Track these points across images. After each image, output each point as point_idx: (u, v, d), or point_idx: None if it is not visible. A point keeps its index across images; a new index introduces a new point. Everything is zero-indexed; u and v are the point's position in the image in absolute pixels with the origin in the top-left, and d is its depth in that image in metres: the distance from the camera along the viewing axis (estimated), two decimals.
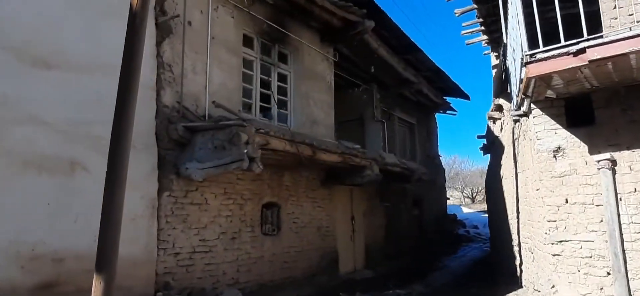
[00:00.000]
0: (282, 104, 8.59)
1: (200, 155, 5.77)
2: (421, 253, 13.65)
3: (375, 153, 8.81)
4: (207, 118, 6.41)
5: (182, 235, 6.01)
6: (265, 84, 8.30)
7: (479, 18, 8.35)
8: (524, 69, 4.21)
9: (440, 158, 19.39)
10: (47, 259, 4.58)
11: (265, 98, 8.33)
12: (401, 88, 13.18)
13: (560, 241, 5.23)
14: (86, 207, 4.92)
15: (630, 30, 3.99)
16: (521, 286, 7.40)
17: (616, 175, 4.94)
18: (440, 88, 15.60)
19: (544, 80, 4.29)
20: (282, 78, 8.69)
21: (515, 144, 7.01)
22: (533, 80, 4.32)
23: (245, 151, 5.43)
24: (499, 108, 9.09)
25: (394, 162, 9.43)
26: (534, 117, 5.29)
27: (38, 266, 4.49)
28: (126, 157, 3.30)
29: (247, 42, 7.85)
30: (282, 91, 8.65)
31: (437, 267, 11.07)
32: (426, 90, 14.16)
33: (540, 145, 5.19)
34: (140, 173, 5.51)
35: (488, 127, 12.28)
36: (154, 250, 5.57)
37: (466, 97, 16.18)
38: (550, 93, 4.92)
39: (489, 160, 13.91)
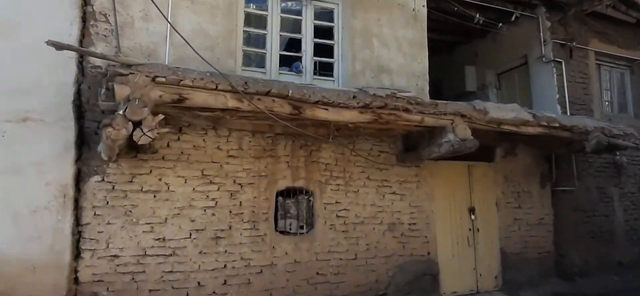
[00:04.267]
0: (325, 51, 6.11)
1: None
2: None
3: (464, 106, 5.21)
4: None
5: (122, 233, 4.56)
6: (297, 27, 6.04)
7: None
8: None
9: None
10: None
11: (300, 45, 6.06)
12: (586, 4, 8.18)
13: None
14: None
15: None
16: None
17: None
18: None
19: None
20: (327, 16, 6.19)
21: None
22: None
23: (122, 112, 3.55)
24: None
25: (515, 118, 5.42)
26: None
27: None
28: None
29: None
30: (327, 34, 6.16)
31: None
32: None
33: None
34: (48, 154, 4.34)
35: None
36: (66, 251, 4.29)
37: None
38: None
39: None
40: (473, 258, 6.47)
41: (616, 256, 8.52)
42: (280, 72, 5.73)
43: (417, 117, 4.88)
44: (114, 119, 3.52)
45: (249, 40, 5.77)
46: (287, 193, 5.46)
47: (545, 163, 7.35)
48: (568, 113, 7.98)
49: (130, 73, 3.66)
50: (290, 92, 4.18)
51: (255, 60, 5.80)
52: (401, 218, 6.00)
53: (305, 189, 5.54)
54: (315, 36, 6.00)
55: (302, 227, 5.48)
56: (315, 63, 5.98)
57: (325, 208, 5.57)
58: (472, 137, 5.08)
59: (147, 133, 3.60)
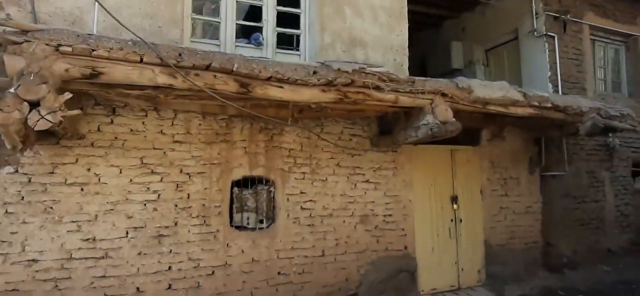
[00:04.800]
0: (290, 21, 5.37)
1: None
2: None
3: (445, 83, 4.53)
4: None
5: (41, 233, 3.87)
6: None
7: None
8: None
9: None
10: None
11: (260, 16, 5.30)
12: None
13: None
14: None
15: None
16: None
17: None
18: None
19: None
20: None
21: None
22: None
23: (14, 90, 2.82)
24: None
25: (504, 97, 4.79)
26: None
27: None
28: None
29: None
30: (292, 1, 5.41)
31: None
32: None
33: None
34: None
35: None
36: None
37: None
38: None
39: None
40: (455, 252, 5.91)
41: (606, 244, 8.07)
42: (237, 44, 4.99)
43: (391, 96, 4.21)
44: (2, 99, 2.79)
45: (200, 7, 5.00)
46: (244, 183, 4.80)
47: (535, 147, 6.77)
48: (560, 93, 7.40)
49: (26, 41, 2.91)
50: (236, 66, 3.46)
51: (209, 31, 5.05)
52: (375, 209, 5.39)
53: (266, 178, 4.88)
54: (279, 3, 5.25)
55: (261, 221, 4.84)
56: (278, 35, 5.24)
57: (288, 199, 4.93)
58: (454, 120, 4.44)
59: (45, 117, 2.87)
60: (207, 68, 3.43)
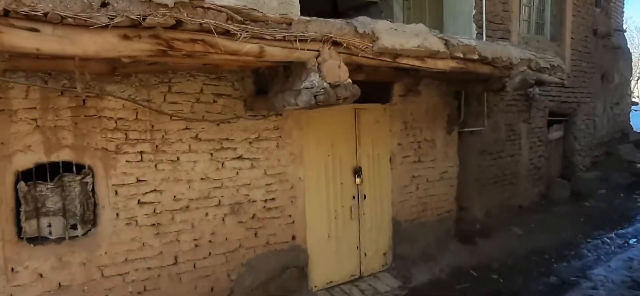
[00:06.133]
0: None
1: None
2: (557, 218, 7.52)
3: (338, 26, 3.14)
4: None
5: None
6: None
7: None
8: None
9: (623, 35, 11.28)
10: None
11: None
12: None
13: None
14: None
15: None
16: None
17: None
18: None
19: None
20: None
21: None
22: None
23: None
24: None
25: (420, 46, 3.50)
26: None
27: None
28: None
29: None
30: None
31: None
32: None
33: None
34: None
35: None
36: None
37: None
38: None
39: None
40: (356, 235, 4.84)
41: (517, 200, 7.67)
42: None
43: (251, 48, 2.70)
44: None
45: None
46: (40, 174, 3.15)
47: (455, 102, 5.74)
48: (484, 36, 6.38)
49: None
50: None
51: None
52: (252, 194, 4.04)
53: (78, 164, 3.27)
54: None
55: (74, 227, 3.29)
56: None
57: (116, 192, 3.38)
58: (349, 82, 3.10)
59: None
60: None
